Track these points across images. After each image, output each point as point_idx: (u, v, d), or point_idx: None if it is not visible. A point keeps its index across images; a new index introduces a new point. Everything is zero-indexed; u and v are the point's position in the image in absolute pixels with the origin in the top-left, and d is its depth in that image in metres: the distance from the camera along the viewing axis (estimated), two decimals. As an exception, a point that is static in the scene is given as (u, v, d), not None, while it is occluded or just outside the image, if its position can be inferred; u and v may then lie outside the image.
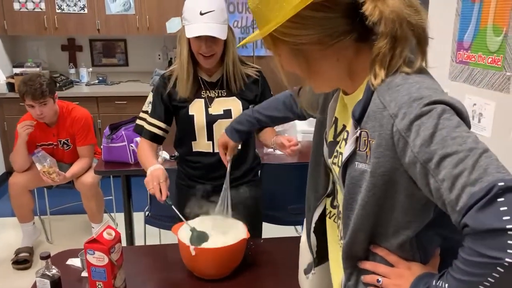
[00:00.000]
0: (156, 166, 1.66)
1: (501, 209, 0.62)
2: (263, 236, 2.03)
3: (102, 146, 2.83)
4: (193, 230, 1.55)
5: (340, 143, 0.95)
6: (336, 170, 0.95)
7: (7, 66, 4.59)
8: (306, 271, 1.23)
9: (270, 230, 2.72)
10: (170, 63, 4.93)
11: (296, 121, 2.77)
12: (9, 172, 4.44)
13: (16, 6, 4.40)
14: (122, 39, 4.93)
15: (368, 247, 0.89)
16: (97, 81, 4.83)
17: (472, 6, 1.95)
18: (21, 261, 3.02)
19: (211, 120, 1.77)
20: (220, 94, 1.78)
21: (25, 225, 3.13)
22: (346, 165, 0.87)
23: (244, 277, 1.53)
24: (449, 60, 2.15)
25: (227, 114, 1.77)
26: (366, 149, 0.82)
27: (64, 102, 3.11)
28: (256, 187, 1.98)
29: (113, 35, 4.73)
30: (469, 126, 0.75)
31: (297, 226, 3.39)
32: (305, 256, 1.35)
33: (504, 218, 0.62)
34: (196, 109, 1.77)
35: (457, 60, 2.08)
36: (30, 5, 4.41)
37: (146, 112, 1.87)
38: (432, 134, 0.71)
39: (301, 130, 3.14)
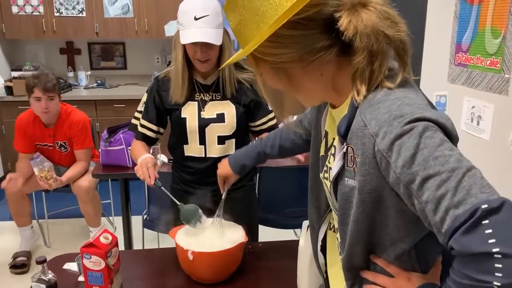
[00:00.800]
0: (144, 155, 1.67)
1: (486, 232, 0.61)
2: (260, 240, 2.02)
3: (100, 150, 2.82)
4: (181, 206, 1.57)
5: (329, 157, 0.95)
6: (327, 184, 0.94)
7: (5, 69, 4.58)
8: None
9: (267, 234, 2.71)
10: (168, 66, 4.91)
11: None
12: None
13: (15, 9, 4.40)
14: (121, 42, 4.93)
15: (368, 257, 0.88)
16: (95, 84, 4.83)
17: (471, 8, 1.95)
18: (19, 265, 3.00)
19: (203, 124, 1.75)
20: (214, 98, 1.76)
21: (23, 229, 3.11)
22: (336, 181, 0.87)
23: (242, 281, 1.52)
24: (448, 62, 2.14)
25: (220, 118, 1.75)
26: (353, 166, 0.81)
27: (64, 104, 3.10)
28: (251, 191, 1.97)
29: (112, 38, 4.73)
30: (455, 139, 0.74)
31: (295, 230, 3.39)
32: (304, 263, 1.34)
33: (490, 241, 0.60)
34: (189, 112, 1.75)
35: (456, 62, 2.08)
36: (28, 9, 4.41)
37: (140, 112, 1.86)
38: (414, 155, 0.68)
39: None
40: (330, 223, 1.06)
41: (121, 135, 2.74)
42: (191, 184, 1.85)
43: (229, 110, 1.76)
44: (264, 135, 1.53)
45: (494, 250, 0.59)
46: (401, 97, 0.76)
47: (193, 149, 1.79)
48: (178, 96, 1.72)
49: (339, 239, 0.92)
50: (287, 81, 0.85)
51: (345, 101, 0.86)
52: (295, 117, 1.37)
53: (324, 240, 1.09)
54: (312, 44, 0.79)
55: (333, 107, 0.92)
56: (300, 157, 1.66)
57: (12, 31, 4.46)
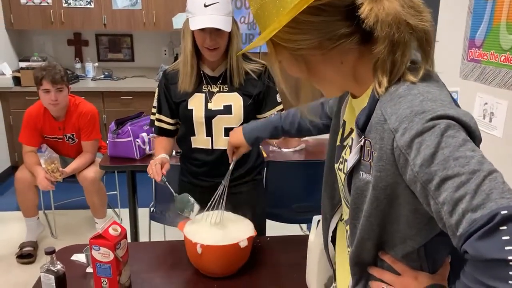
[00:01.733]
0: (158, 156, 1.73)
1: (503, 238, 0.59)
2: (267, 234, 2.01)
3: (107, 141, 2.82)
4: (175, 197, 1.61)
5: (345, 149, 0.93)
6: (341, 176, 0.93)
7: (13, 60, 4.59)
8: (327, 285, 1.21)
9: (274, 228, 2.71)
10: (176, 59, 4.90)
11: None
12: (14, 166, 4.45)
13: (23, 0, 4.39)
14: (128, 34, 4.92)
15: (377, 254, 0.87)
16: (103, 76, 4.82)
17: (485, 3, 1.92)
18: (25, 255, 3.02)
19: (210, 115, 1.75)
20: (222, 89, 1.76)
21: (29, 219, 3.12)
22: (351, 174, 0.85)
23: (250, 276, 1.52)
24: (460, 58, 2.12)
25: (227, 109, 1.75)
26: (369, 160, 0.79)
27: (72, 96, 3.10)
28: (259, 185, 1.96)
29: (120, 30, 4.72)
30: (478, 139, 0.71)
31: (302, 224, 3.38)
32: (314, 258, 1.33)
33: (506, 248, 0.58)
34: (196, 103, 1.75)
35: (469, 58, 2.05)
36: (36, -1, 4.41)
37: (154, 107, 1.89)
38: (434, 154, 0.66)
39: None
40: (342, 214, 1.05)
41: (129, 127, 2.73)
42: (199, 176, 1.86)
43: (236, 101, 1.76)
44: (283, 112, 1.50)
45: (510, 257, 0.58)
46: (424, 92, 0.73)
47: (200, 140, 1.79)
48: (187, 84, 1.73)
49: (348, 232, 0.91)
50: (306, 69, 0.83)
51: (366, 92, 0.84)
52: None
53: (335, 231, 1.08)
54: (332, 31, 0.76)
55: (354, 97, 0.90)
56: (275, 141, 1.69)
57: (20, 22, 4.45)
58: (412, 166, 0.69)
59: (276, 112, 1.49)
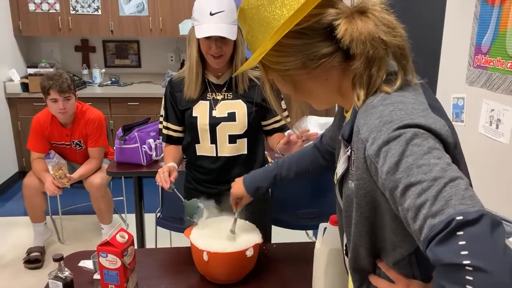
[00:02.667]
0: (166, 165, 1.74)
1: (459, 243, 0.60)
2: (272, 241, 2.02)
3: (115, 147, 2.84)
4: (184, 202, 1.62)
5: (337, 161, 0.96)
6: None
7: (21, 66, 4.63)
8: None
9: (279, 234, 2.70)
10: (182, 65, 4.94)
11: (308, 122, 2.76)
12: (22, 171, 4.48)
13: (32, 7, 4.44)
14: (135, 40, 4.95)
15: (373, 261, 0.89)
16: (109, 82, 4.86)
17: (491, 9, 1.92)
18: (33, 261, 3.04)
19: (214, 123, 1.76)
20: (226, 97, 1.77)
21: (37, 225, 3.14)
22: (341, 183, 0.89)
23: (257, 283, 1.52)
24: (466, 64, 2.11)
25: (231, 117, 1.76)
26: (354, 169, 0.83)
27: (79, 103, 3.12)
28: (265, 192, 1.96)
29: (126, 36, 4.75)
30: (451, 145, 0.73)
31: (307, 231, 3.37)
32: (320, 266, 1.33)
33: (462, 253, 0.59)
34: (200, 111, 1.77)
35: (475, 64, 2.05)
36: (45, 6, 4.45)
37: (161, 116, 1.90)
38: (398, 162, 0.69)
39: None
40: None
41: (136, 133, 2.75)
42: (204, 183, 1.87)
43: (240, 108, 1.77)
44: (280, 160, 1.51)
45: (465, 262, 0.58)
46: (397, 102, 0.77)
47: (204, 148, 1.81)
48: (192, 92, 1.75)
49: (345, 240, 0.94)
50: (294, 87, 0.90)
51: (352, 106, 0.88)
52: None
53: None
54: (314, 52, 0.82)
55: (346, 111, 0.95)
56: (279, 148, 1.72)
57: (29, 29, 4.50)
58: (380, 174, 0.72)
59: (272, 161, 1.50)
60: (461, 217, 0.60)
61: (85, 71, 4.87)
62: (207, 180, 1.86)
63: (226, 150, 1.79)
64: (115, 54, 5.01)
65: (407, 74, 0.83)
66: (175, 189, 1.65)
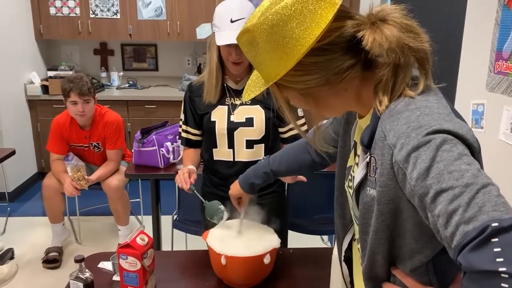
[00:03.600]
0: (185, 167, 1.77)
1: (495, 250, 0.59)
2: (288, 245, 2.02)
3: (133, 150, 2.87)
4: (206, 203, 1.65)
5: (353, 167, 0.95)
6: (350, 193, 0.95)
7: (41, 69, 4.72)
8: None
9: (294, 239, 2.70)
10: (199, 69, 4.97)
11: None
12: (41, 172, 4.56)
13: (52, 11, 4.53)
14: (153, 44, 5.01)
15: (389, 268, 0.87)
16: (127, 85, 4.91)
17: (513, 15, 1.90)
18: (51, 260, 3.08)
19: (232, 128, 1.77)
20: (244, 102, 1.78)
21: (55, 225, 3.19)
22: (358, 190, 0.88)
23: (274, 287, 1.52)
24: (487, 70, 2.09)
25: (249, 122, 1.78)
26: (375, 175, 0.82)
27: (98, 105, 3.17)
28: (281, 196, 1.97)
29: (144, 40, 4.81)
30: (476, 150, 0.73)
31: (322, 236, 3.36)
32: (338, 272, 1.33)
33: (497, 260, 0.58)
34: (219, 115, 1.78)
35: (495, 70, 2.03)
36: (65, 10, 4.53)
37: (181, 119, 1.93)
38: (429, 168, 0.68)
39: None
40: (354, 234, 1.07)
41: (154, 136, 2.78)
42: (220, 187, 1.88)
43: (258, 114, 1.78)
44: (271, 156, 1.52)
45: (501, 269, 0.58)
46: (422, 106, 0.76)
47: (222, 153, 1.82)
48: (211, 96, 1.76)
49: (360, 249, 0.92)
50: (315, 103, 0.87)
51: (370, 111, 0.87)
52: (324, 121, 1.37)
53: (350, 250, 1.09)
54: (337, 66, 0.81)
55: (360, 116, 0.94)
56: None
57: (49, 32, 4.59)
58: (409, 180, 0.71)
59: (264, 158, 1.50)
60: (496, 224, 0.60)
61: (104, 74, 4.94)
62: (223, 184, 1.86)
63: (243, 155, 1.80)
64: (133, 58, 5.07)
65: (428, 78, 0.83)
66: (195, 191, 1.67)
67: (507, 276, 0.57)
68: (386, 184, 0.77)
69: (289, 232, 2.64)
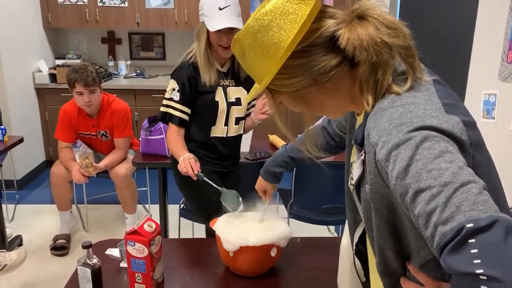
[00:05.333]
0: (186, 154, 1.85)
1: (472, 251, 0.57)
2: (295, 235, 2.01)
3: (140, 139, 2.87)
4: (223, 190, 1.72)
5: (353, 163, 0.95)
6: (352, 190, 0.95)
7: (49, 57, 4.72)
8: None
9: (301, 229, 2.70)
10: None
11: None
12: (49, 161, 4.58)
13: (60, -1, 4.51)
14: (160, 33, 4.98)
15: (403, 263, 0.86)
16: (134, 74, 4.90)
17: (528, 3, 1.86)
18: (59, 248, 3.10)
19: (228, 106, 1.99)
20: (231, 84, 2.00)
21: (63, 213, 3.21)
22: (359, 188, 0.87)
23: (281, 276, 1.52)
24: (499, 60, 2.05)
25: (238, 101, 2.01)
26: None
27: (105, 94, 3.17)
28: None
29: (152, 29, 4.79)
30: (466, 145, 0.71)
31: (329, 226, 3.35)
32: (346, 262, 1.32)
33: (475, 261, 0.57)
34: (219, 96, 1.97)
35: (509, 60, 1.99)
36: (73, -2, 4.52)
37: (170, 99, 1.97)
38: (407, 166, 0.67)
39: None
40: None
41: (161, 125, 2.77)
42: (215, 161, 2.06)
43: (242, 94, 2.04)
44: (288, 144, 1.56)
45: (479, 271, 0.56)
46: (407, 103, 0.75)
47: (219, 129, 2.03)
48: (208, 78, 1.91)
49: (371, 245, 0.92)
50: (306, 105, 0.88)
51: (364, 110, 0.87)
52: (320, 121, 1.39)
53: (362, 244, 1.08)
54: (322, 66, 0.81)
55: (358, 114, 0.94)
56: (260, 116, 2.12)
57: (57, 20, 4.58)
58: (390, 179, 0.70)
59: (282, 145, 1.53)
60: (471, 224, 0.58)
61: (111, 63, 4.93)
62: (218, 158, 2.05)
63: (233, 130, 2.07)
64: (141, 47, 5.05)
65: (415, 72, 0.81)
66: (204, 177, 1.71)
67: (485, 278, 0.55)
68: (375, 182, 0.77)
69: (296, 222, 2.65)
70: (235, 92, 2.01)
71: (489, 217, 0.58)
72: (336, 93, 0.85)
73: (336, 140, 1.36)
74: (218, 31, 1.79)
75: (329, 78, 0.81)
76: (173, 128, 1.97)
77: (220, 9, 1.80)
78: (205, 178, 1.70)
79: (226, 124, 2.02)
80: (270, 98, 0.90)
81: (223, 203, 1.69)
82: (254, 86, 0.93)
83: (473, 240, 0.58)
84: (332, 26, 0.80)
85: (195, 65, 1.93)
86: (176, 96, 1.93)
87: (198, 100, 1.95)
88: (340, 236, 2.19)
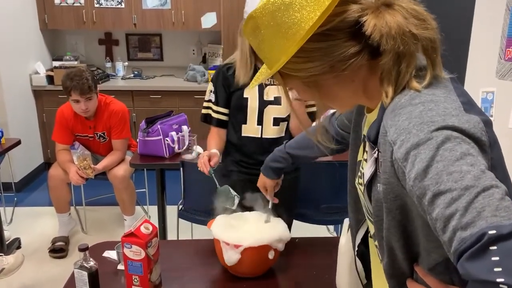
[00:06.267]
0: (209, 151, 1.86)
1: (493, 259, 0.55)
2: (294, 235, 2.00)
3: (138, 140, 2.86)
4: (218, 188, 1.71)
5: (362, 162, 0.92)
6: (361, 189, 0.92)
7: (47, 59, 4.71)
8: None
9: (300, 229, 2.69)
10: (204, 58, 4.94)
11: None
12: (47, 163, 4.57)
13: (57, 0, 4.50)
14: (158, 34, 4.97)
15: (411, 264, 0.84)
16: (132, 75, 4.89)
17: (525, 0, 1.85)
18: (58, 250, 3.09)
19: (263, 105, 1.89)
20: (272, 82, 1.89)
21: (61, 215, 3.20)
22: (370, 187, 0.84)
23: (280, 277, 1.51)
24: (497, 57, 2.05)
25: (277, 101, 1.90)
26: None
27: (102, 95, 3.15)
28: (295, 182, 2.06)
29: (149, 29, 4.78)
30: (485, 146, 0.68)
31: (328, 226, 3.34)
32: (345, 261, 1.31)
33: (495, 269, 0.55)
34: (251, 93, 1.89)
35: (506, 57, 1.99)
36: (70, 0, 4.50)
37: (209, 101, 1.98)
38: (427, 168, 0.64)
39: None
40: (369, 229, 1.04)
41: (158, 126, 2.76)
42: (244, 164, 1.97)
43: None
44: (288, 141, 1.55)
45: (499, 280, 0.54)
46: (426, 101, 0.72)
47: (251, 129, 1.93)
48: (242, 77, 1.85)
49: (378, 246, 0.90)
50: (318, 92, 0.84)
51: (378, 105, 0.84)
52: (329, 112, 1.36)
53: (364, 245, 1.06)
54: (342, 52, 0.77)
55: (369, 111, 0.90)
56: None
57: (54, 22, 4.56)
58: (408, 180, 0.68)
59: (284, 142, 1.52)
60: (494, 231, 0.56)
61: (108, 64, 4.92)
62: (254, 163, 1.93)
63: (270, 131, 1.92)
64: (138, 48, 5.04)
65: (435, 68, 0.78)
66: (213, 175, 1.73)
67: (505, 287, 0.54)
68: (389, 182, 0.74)
69: (295, 221, 2.64)
70: (276, 91, 1.89)
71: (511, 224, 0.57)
72: (350, 84, 0.82)
73: (337, 140, 1.34)
74: None
75: (347, 66, 0.77)
76: (212, 129, 2.00)
77: None
78: (213, 175, 1.73)
79: (260, 123, 1.91)
80: (281, 83, 0.85)
81: (220, 203, 1.69)
82: (261, 70, 0.88)
83: (494, 248, 0.56)
84: (357, 11, 0.76)
85: (230, 65, 1.92)
86: (213, 97, 1.95)
87: (232, 99, 1.93)
88: (339, 235, 2.18)
